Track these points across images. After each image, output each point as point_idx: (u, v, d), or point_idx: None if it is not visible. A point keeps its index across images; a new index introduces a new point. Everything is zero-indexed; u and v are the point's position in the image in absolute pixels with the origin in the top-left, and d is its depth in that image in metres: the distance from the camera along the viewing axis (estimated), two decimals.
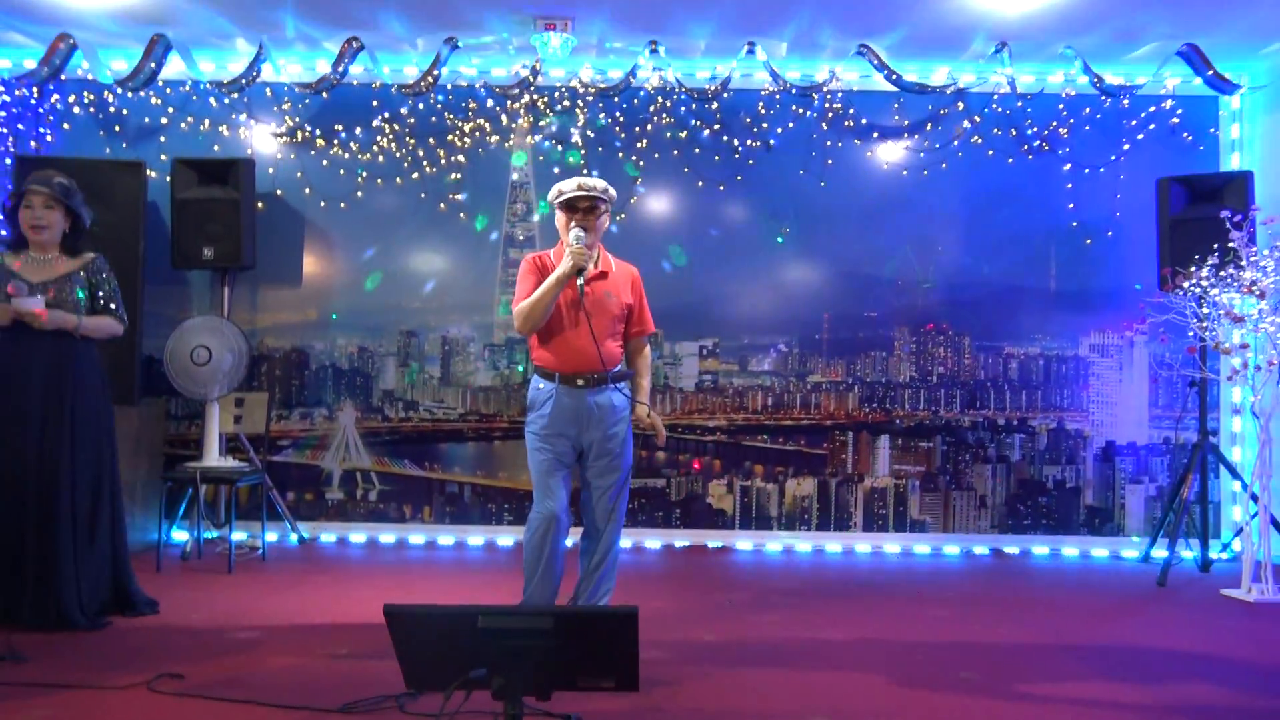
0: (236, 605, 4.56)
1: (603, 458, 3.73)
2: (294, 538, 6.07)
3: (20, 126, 6.10)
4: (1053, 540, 6.16)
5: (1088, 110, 6.17)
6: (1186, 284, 5.09)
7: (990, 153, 6.21)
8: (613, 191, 3.77)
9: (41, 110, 6.15)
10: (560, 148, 6.25)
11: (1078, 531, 6.18)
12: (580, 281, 3.58)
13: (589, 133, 6.24)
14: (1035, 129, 6.21)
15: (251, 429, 5.78)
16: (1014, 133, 6.22)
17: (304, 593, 4.87)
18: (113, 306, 4.24)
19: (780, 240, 6.27)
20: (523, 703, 2.46)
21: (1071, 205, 6.22)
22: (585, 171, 6.17)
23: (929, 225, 6.25)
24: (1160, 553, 5.61)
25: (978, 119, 6.20)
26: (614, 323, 3.75)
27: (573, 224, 3.66)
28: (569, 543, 3.84)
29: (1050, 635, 4.24)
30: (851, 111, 6.23)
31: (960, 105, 6.19)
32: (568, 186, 3.69)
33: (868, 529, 6.22)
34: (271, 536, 5.90)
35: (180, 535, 5.88)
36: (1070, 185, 6.22)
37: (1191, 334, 5.23)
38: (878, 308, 6.30)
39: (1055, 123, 6.20)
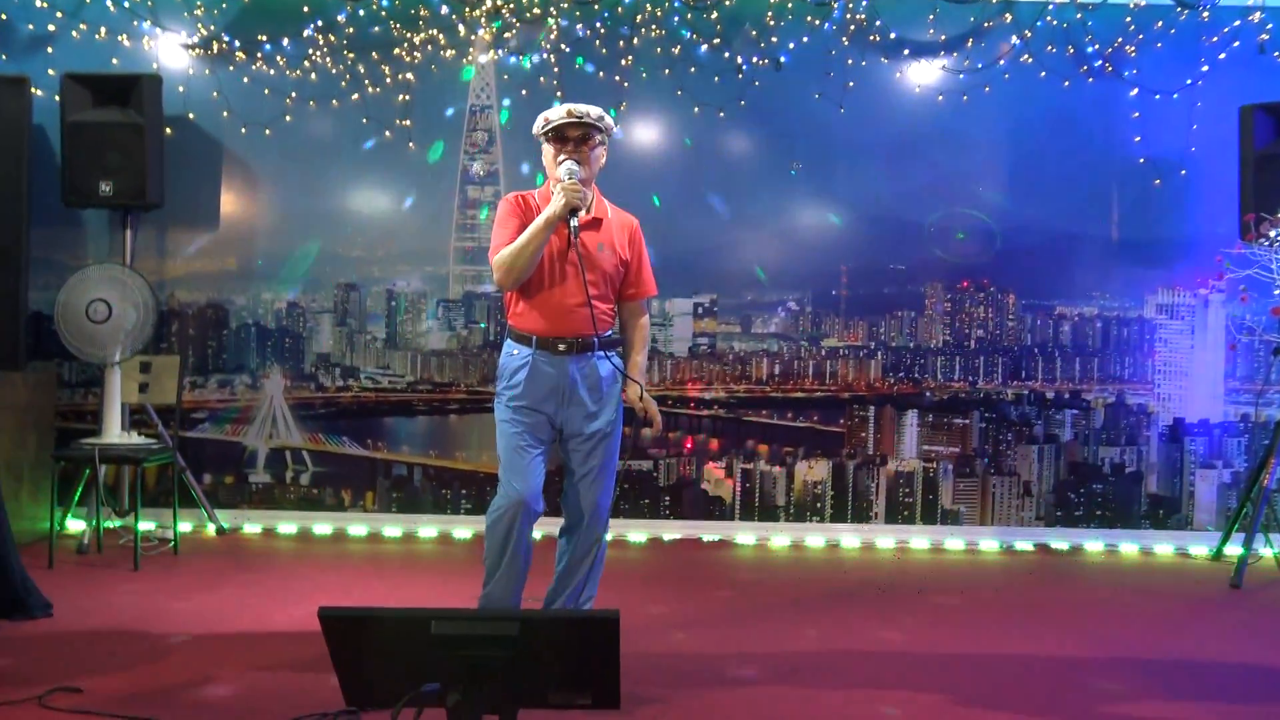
0: (143, 608, 4.57)
1: (585, 439, 3.72)
2: (211, 528, 6.09)
3: None
4: (1109, 535, 6.22)
5: (1160, 24, 6.16)
6: (1273, 233, 5.11)
7: (1043, 74, 6.20)
8: (609, 120, 3.72)
9: None
10: (529, 64, 6.21)
11: (1139, 525, 6.25)
12: (573, 224, 3.52)
13: (563, 47, 6.19)
14: (1097, 46, 6.20)
15: (160, 399, 5.77)
16: (1071, 50, 6.21)
17: (223, 593, 4.88)
18: None
19: (792, 175, 6.25)
20: None
21: (1138, 138, 6.23)
22: (560, 95, 6.13)
23: (968, 161, 6.25)
24: (1235, 549, 5.67)
25: (1028, 34, 6.18)
26: (606, 280, 3.72)
27: (562, 157, 3.62)
28: (539, 535, 3.86)
29: (1105, 646, 4.29)
30: (878, 23, 6.20)
31: (1008, 16, 6.17)
32: (555, 114, 3.64)
33: (891, 521, 6.28)
34: (185, 526, 5.91)
35: (76, 525, 5.88)
36: (1137, 114, 6.22)
37: (1278, 292, 5.26)
38: (906, 259, 6.31)
39: (1121, 39, 6.18)
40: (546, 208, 3.56)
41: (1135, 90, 6.21)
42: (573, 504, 3.78)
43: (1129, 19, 6.16)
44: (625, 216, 3.85)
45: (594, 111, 3.65)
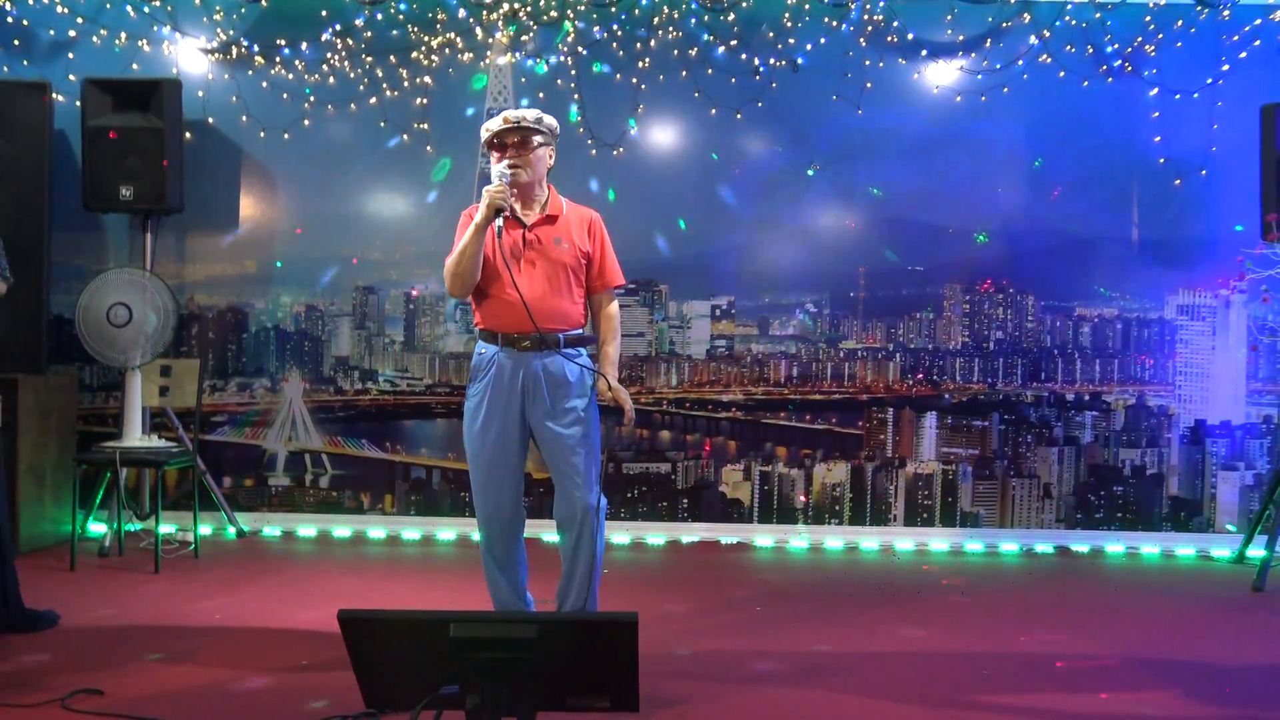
0: (165, 610, 4.61)
1: (557, 436, 3.73)
2: (231, 531, 6.12)
3: None
4: (1130, 537, 6.19)
5: (1180, 23, 6.13)
6: None
7: (1062, 74, 6.17)
8: (550, 120, 3.80)
9: None
10: (546, 68, 6.22)
11: (1159, 527, 6.22)
12: (498, 224, 3.61)
13: (580, 49, 6.20)
14: (1116, 46, 6.17)
15: (180, 402, 5.81)
16: (1091, 50, 6.19)
17: (244, 595, 4.91)
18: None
19: (810, 175, 6.25)
20: None
21: (1158, 138, 6.20)
22: (578, 98, 6.15)
23: (986, 161, 6.24)
24: (1257, 552, 5.64)
25: (1047, 33, 6.16)
26: (565, 274, 3.76)
27: (498, 160, 3.72)
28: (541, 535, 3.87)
29: (1125, 647, 4.27)
30: (895, 24, 6.19)
31: (1026, 17, 6.15)
32: (494, 123, 3.75)
33: (910, 523, 6.26)
34: (205, 529, 5.94)
35: (98, 528, 5.91)
36: (1157, 114, 6.19)
37: None
38: (924, 261, 6.30)
39: (1140, 38, 6.16)
40: (477, 213, 3.65)
41: (1155, 90, 6.18)
42: (559, 502, 3.80)
43: (1148, 18, 6.13)
44: (584, 211, 3.91)
45: (530, 114, 3.74)
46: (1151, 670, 4.00)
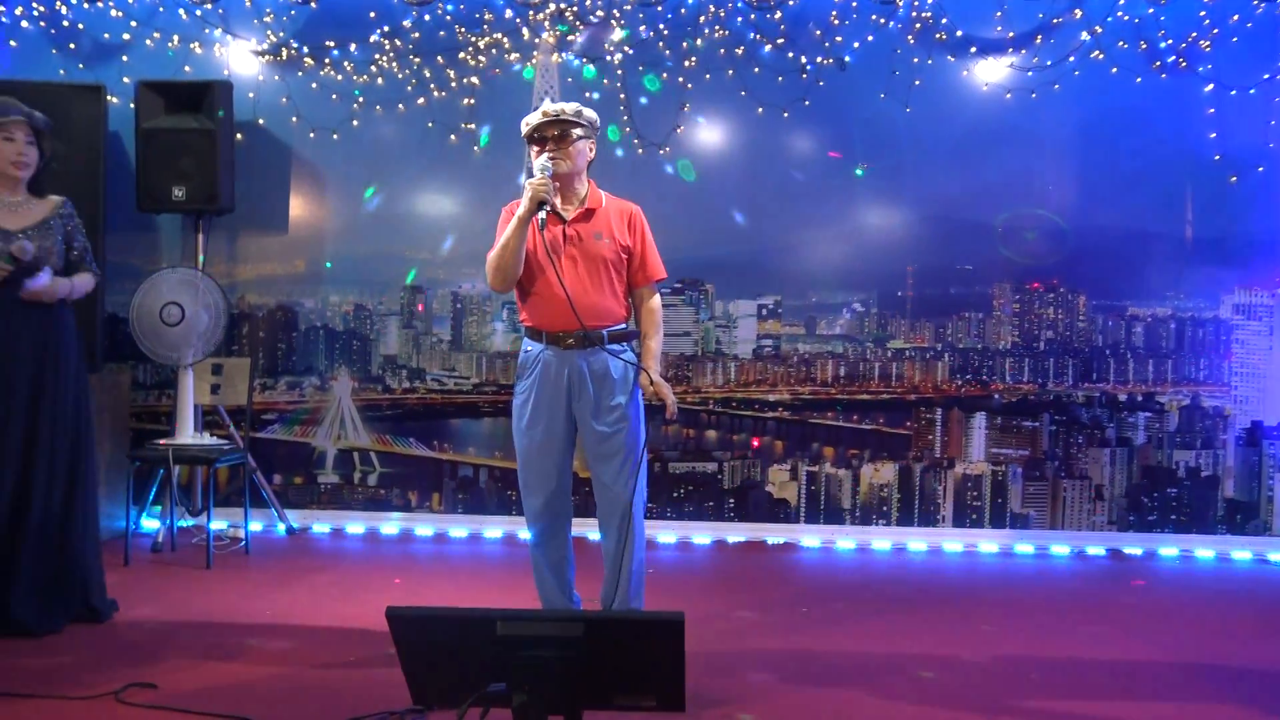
0: (216, 605, 4.66)
1: (600, 433, 3.75)
2: (281, 528, 6.18)
3: None
4: (1184, 540, 6.10)
5: (1236, 17, 6.03)
6: None
7: (1114, 70, 6.09)
8: (590, 113, 3.80)
9: None
10: (592, 67, 6.23)
11: (1215, 529, 6.12)
12: (540, 217, 3.61)
13: (626, 49, 6.21)
14: (1170, 41, 6.08)
15: (231, 400, 5.87)
16: (1144, 46, 6.10)
17: (293, 591, 4.96)
18: (87, 259, 4.39)
19: (859, 175, 6.21)
20: None
21: (1214, 134, 6.10)
22: (622, 96, 6.16)
23: (1037, 160, 6.17)
24: None
25: (1099, 29, 6.08)
26: (605, 269, 3.77)
27: (538, 154, 3.73)
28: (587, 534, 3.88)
29: (1180, 653, 4.22)
30: (944, 21, 6.14)
31: (1078, 13, 6.08)
32: (533, 118, 3.76)
33: (959, 524, 6.21)
34: (256, 526, 6.00)
35: (151, 524, 6.00)
36: (1212, 110, 6.09)
37: None
38: (973, 259, 6.24)
39: (1195, 33, 6.06)
40: (519, 207, 3.66)
41: (1210, 85, 6.08)
42: (601, 500, 3.82)
43: (1203, 12, 6.03)
44: (624, 204, 3.91)
45: (569, 107, 3.75)
46: (1206, 676, 3.94)
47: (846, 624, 4.55)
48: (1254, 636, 4.50)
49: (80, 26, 6.27)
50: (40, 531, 4.17)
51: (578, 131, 3.75)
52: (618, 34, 6.19)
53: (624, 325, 3.83)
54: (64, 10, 6.22)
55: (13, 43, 6.27)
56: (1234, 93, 6.06)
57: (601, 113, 3.99)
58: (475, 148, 6.26)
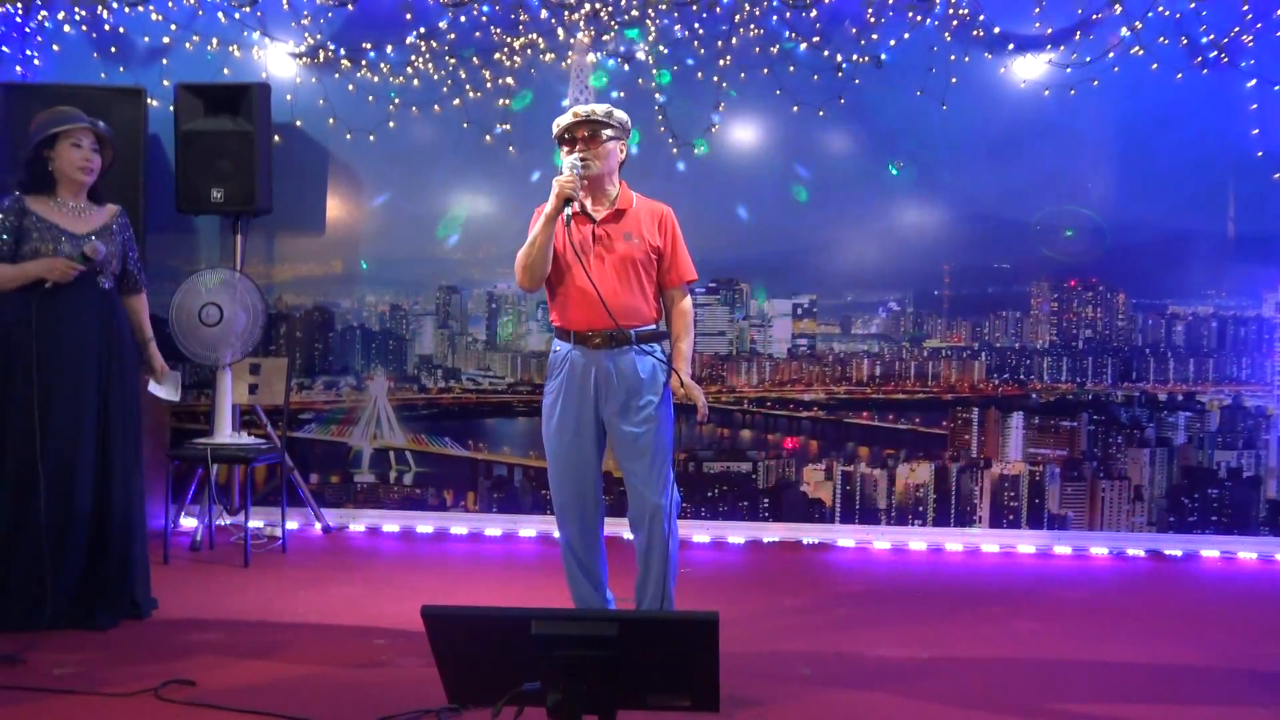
0: (254, 603, 4.70)
1: (628, 434, 3.74)
2: (318, 526, 6.22)
3: (4, 49, 6.27)
4: (1225, 541, 6.02)
5: (1279, 12, 5.95)
6: None
7: (1154, 66, 6.02)
8: (621, 115, 3.81)
9: (28, 30, 6.32)
10: (627, 66, 6.23)
11: (1257, 531, 6.04)
12: (566, 213, 3.62)
13: (661, 48, 6.20)
14: (1212, 36, 6.00)
15: (269, 400, 5.92)
16: (1185, 41, 6.02)
17: (330, 590, 4.99)
18: (139, 274, 4.54)
19: (894, 174, 6.18)
20: None
21: (1256, 131, 6.02)
22: (657, 95, 6.15)
23: (1076, 157, 6.10)
24: None
25: (1139, 25, 6.01)
26: (635, 269, 3.77)
27: (569, 155, 3.74)
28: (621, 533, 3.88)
29: (1220, 655, 4.16)
30: (981, 18, 6.09)
31: (1117, 8, 6.01)
32: (564, 119, 3.77)
33: (995, 525, 6.16)
34: (293, 525, 6.05)
35: (189, 522, 6.06)
36: (1255, 106, 6.01)
37: None
38: (1010, 258, 6.19)
39: (1237, 28, 5.98)
40: (547, 205, 3.67)
41: (1253, 81, 6.00)
42: (631, 500, 3.82)
43: (1246, 7, 5.95)
44: (655, 205, 3.91)
45: (600, 108, 3.76)
46: (1248, 680, 3.89)
47: (881, 625, 4.52)
48: None
49: (121, 30, 6.33)
50: (121, 521, 4.28)
51: (608, 132, 3.76)
52: (652, 32, 6.18)
53: (654, 326, 3.83)
54: (105, 14, 6.29)
55: (55, 47, 6.34)
56: (1277, 88, 5.97)
57: (634, 112, 3.98)
58: (510, 149, 6.27)
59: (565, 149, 3.77)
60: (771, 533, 6.19)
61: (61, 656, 3.87)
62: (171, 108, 6.00)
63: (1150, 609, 4.91)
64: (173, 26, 6.30)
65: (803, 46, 6.15)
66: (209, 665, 3.82)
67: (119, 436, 4.32)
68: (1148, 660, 4.08)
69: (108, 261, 4.27)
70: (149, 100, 6.03)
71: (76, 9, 6.29)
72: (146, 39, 6.34)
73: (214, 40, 6.30)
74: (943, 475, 6.20)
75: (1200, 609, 4.94)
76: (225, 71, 6.28)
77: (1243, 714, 3.56)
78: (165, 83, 6.20)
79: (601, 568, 3.92)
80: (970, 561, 5.87)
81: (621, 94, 6.16)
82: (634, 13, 6.18)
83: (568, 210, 3.63)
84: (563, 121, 3.77)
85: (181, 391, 4.49)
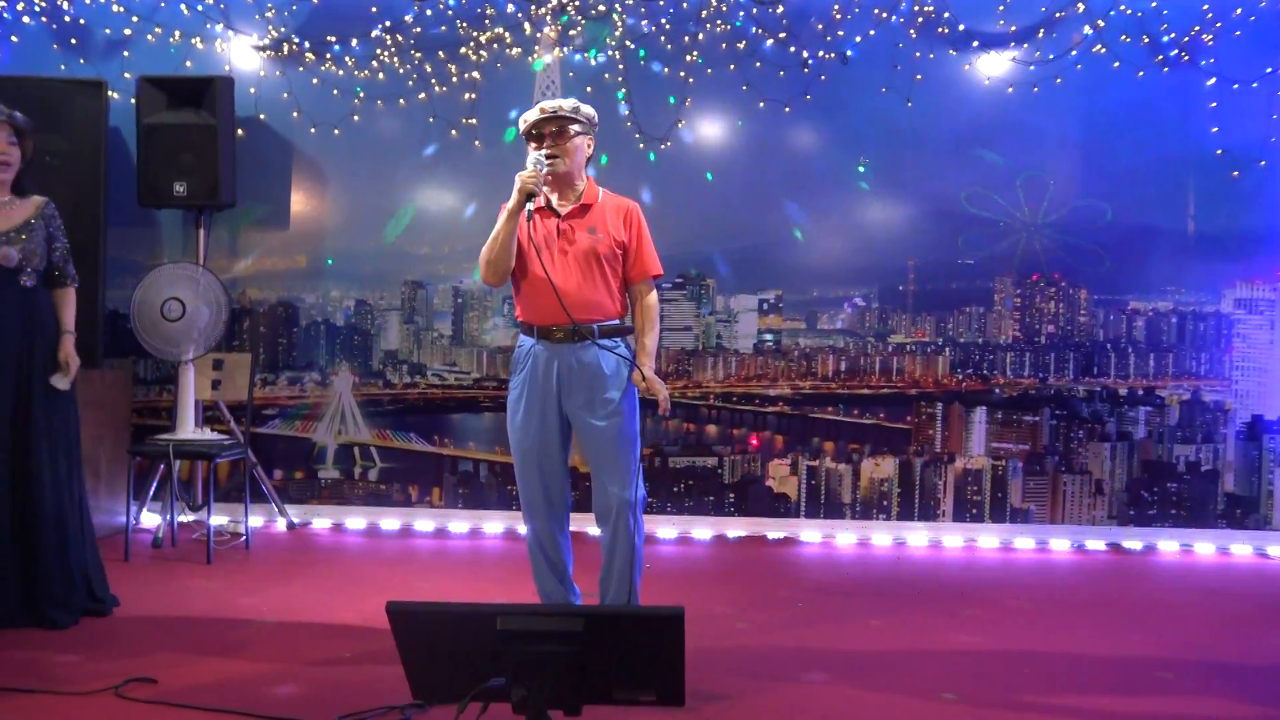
0: (217, 600, 4.66)
1: (594, 434, 3.74)
2: (282, 523, 6.18)
3: None
4: (1184, 534, 6.09)
5: (1239, 11, 6.01)
6: None
7: (1116, 65, 6.08)
8: (588, 110, 3.81)
9: None
10: (593, 61, 6.21)
11: (1215, 524, 6.11)
12: (528, 208, 3.62)
13: (628, 43, 6.19)
14: (1173, 35, 6.06)
15: (232, 396, 5.87)
16: (1146, 40, 6.08)
17: (294, 587, 4.96)
18: (66, 266, 4.39)
19: (861, 170, 6.20)
20: (548, 718, 2.49)
21: (1216, 129, 6.08)
22: (624, 90, 6.15)
23: (1039, 154, 6.15)
24: None
25: (1101, 23, 6.06)
26: (599, 264, 3.76)
27: (535, 149, 3.74)
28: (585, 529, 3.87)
29: (1179, 647, 4.21)
30: (946, 15, 6.12)
31: (1080, 6, 6.06)
32: (531, 114, 3.77)
33: (959, 518, 6.20)
34: (256, 521, 6.00)
35: (151, 519, 6.00)
36: (1215, 104, 6.08)
37: None
38: (974, 254, 6.23)
39: (1198, 27, 6.04)
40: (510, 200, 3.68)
41: (1213, 79, 6.07)
42: (596, 495, 3.82)
43: (1206, 6, 6.02)
44: (621, 200, 3.91)
45: (567, 104, 3.76)
46: (1206, 671, 3.94)
47: (846, 619, 4.54)
48: (1254, 630, 4.49)
49: (82, 22, 6.26)
50: (53, 518, 4.19)
51: (575, 128, 3.75)
52: (619, 27, 6.18)
53: (618, 321, 3.83)
54: (65, 5, 6.21)
55: (14, 38, 6.26)
56: (1236, 87, 6.04)
57: (600, 107, 3.98)
58: (476, 143, 6.25)
59: (533, 145, 3.76)
60: (737, 527, 6.21)
61: (21, 655, 3.82)
62: (133, 100, 5.93)
63: (1110, 601, 4.96)
64: (134, 18, 6.23)
65: (769, 43, 6.17)
66: (170, 663, 3.78)
67: (42, 437, 4.20)
68: (1108, 652, 4.12)
69: (28, 259, 4.15)
70: (110, 93, 5.97)
71: (37, 0, 6.21)
72: (108, 31, 6.27)
73: (176, 32, 6.24)
74: (907, 470, 6.24)
75: (1159, 601, 4.99)
76: (188, 64, 6.22)
77: (1200, 704, 3.60)
78: (127, 75, 6.13)
79: (568, 563, 3.92)
80: (934, 555, 5.91)
81: (589, 89, 6.14)
82: (601, 7, 6.17)
83: (530, 205, 3.63)
84: (530, 117, 3.76)
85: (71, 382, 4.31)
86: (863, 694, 3.62)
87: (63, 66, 6.21)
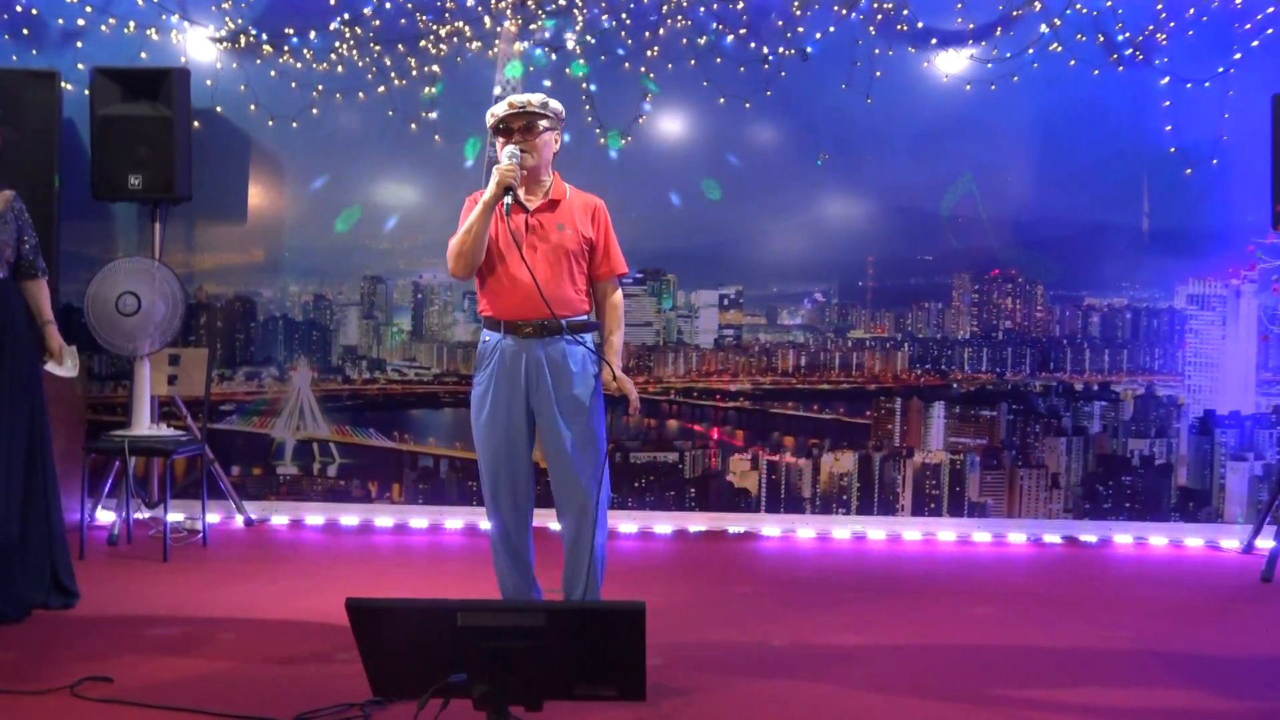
0: (173, 598, 4.62)
1: (559, 430, 3.73)
2: (240, 519, 6.13)
3: None
4: (1138, 527, 6.17)
5: (1192, 11, 6.09)
6: None
7: (1072, 63, 6.14)
8: (556, 105, 3.80)
9: None
10: (554, 56, 6.20)
11: (1168, 517, 6.20)
12: (506, 201, 3.60)
13: (589, 38, 6.18)
14: (1127, 34, 6.13)
15: (189, 391, 5.82)
16: (1101, 39, 6.15)
17: (252, 584, 4.92)
18: (36, 259, 4.38)
19: (818, 165, 6.23)
20: (510, 713, 2.49)
21: (1169, 127, 6.16)
22: (586, 87, 6.14)
23: (996, 151, 6.21)
24: (1266, 542, 5.62)
25: (1058, 22, 6.13)
26: (568, 260, 3.76)
27: (504, 145, 3.72)
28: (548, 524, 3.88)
29: (1133, 638, 4.27)
30: (905, 13, 6.16)
31: (1037, 5, 6.12)
32: (499, 109, 3.75)
33: (918, 512, 6.25)
34: (213, 518, 5.95)
35: (106, 516, 5.93)
36: (1168, 103, 6.16)
37: None
38: (933, 250, 6.27)
39: (1152, 26, 6.12)
40: (485, 192, 3.65)
41: (1166, 79, 6.15)
42: (560, 491, 3.80)
43: (1160, 6, 6.09)
44: (588, 197, 3.90)
45: (536, 99, 3.74)
46: (1160, 661, 3.99)
47: (806, 613, 4.57)
48: (1206, 621, 4.57)
49: (35, 12, 6.16)
50: (17, 512, 4.16)
51: (544, 123, 3.74)
52: (580, 22, 6.17)
53: (584, 318, 3.82)
54: None
55: None
56: (1189, 86, 6.12)
57: (561, 101, 3.98)
58: (436, 137, 6.22)
59: (501, 139, 3.75)
60: (698, 522, 6.22)
61: None
62: (87, 92, 5.85)
63: (1066, 593, 5.03)
64: (88, 9, 6.14)
65: (730, 38, 6.18)
66: (127, 662, 3.75)
67: (5, 423, 4.15)
68: (1064, 643, 4.17)
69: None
70: (63, 84, 5.88)
71: None
72: (61, 21, 6.18)
73: (131, 23, 6.16)
74: (866, 464, 6.28)
75: (1114, 593, 5.06)
76: (143, 55, 6.14)
77: (1155, 694, 3.65)
78: (80, 66, 6.04)
79: (530, 559, 3.92)
80: (892, 549, 5.95)
81: (548, 83, 6.13)
82: (561, 2, 6.16)
83: (507, 199, 3.61)
84: (499, 112, 3.74)
85: (79, 368, 4.33)
86: (823, 688, 3.65)
87: (14, 57, 6.11)
